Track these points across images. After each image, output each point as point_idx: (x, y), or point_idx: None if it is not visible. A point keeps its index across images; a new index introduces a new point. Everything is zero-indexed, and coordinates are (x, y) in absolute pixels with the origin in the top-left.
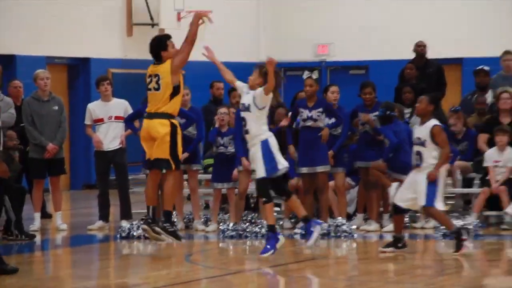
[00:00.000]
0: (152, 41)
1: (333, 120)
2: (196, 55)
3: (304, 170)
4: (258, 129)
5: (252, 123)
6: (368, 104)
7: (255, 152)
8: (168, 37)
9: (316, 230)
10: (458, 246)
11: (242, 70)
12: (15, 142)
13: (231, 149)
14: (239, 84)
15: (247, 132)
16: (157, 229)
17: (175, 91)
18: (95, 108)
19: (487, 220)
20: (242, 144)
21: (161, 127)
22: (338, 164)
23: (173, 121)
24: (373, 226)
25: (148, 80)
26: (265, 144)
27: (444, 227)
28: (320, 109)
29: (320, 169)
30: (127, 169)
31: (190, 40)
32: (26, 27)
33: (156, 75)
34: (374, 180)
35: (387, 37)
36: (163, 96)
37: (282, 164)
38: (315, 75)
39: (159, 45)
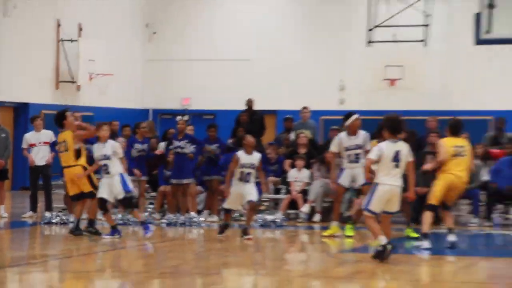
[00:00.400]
0: (56, 114)
1: (194, 146)
2: (102, 103)
3: (174, 181)
4: (117, 169)
5: (113, 166)
6: (211, 139)
7: (116, 181)
8: (66, 110)
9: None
10: (246, 233)
11: (132, 113)
12: None
13: None
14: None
15: (108, 172)
16: (80, 232)
17: (78, 151)
18: (30, 137)
19: (289, 216)
20: None
21: (79, 172)
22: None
23: (85, 166)
24: (214, 218)
25: (58, 146)
26: (122, 177)
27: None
28: (186, 140)
29: (185, 181)
30: (51, 178)
31: (89, 131)
32: None
33: (64, 141)
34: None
35: (228, 93)
36: (70, 155)
37: (132, 187)
38: (186, 118)
39: (61, 116)
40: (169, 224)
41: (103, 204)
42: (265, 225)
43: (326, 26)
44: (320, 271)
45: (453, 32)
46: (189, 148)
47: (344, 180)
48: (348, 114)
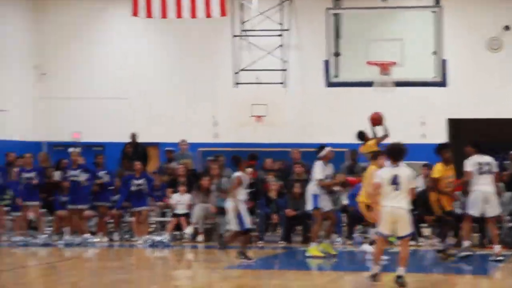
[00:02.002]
0: None
1: (88, 174)
2: (1, 136)
3: (71, 206)
4: None
5: None
6: (99, 166)
7: None
8: None
9: None
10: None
11: (27, 145)
12: None
13: None
14: None
15: None
16: None
17: None
18: None
19: (175, 237)
20: None
21: None
22: None
23: None
24: (104, 239)
25: None
26: None
27: None
28: (80, 169)
29: (80, 206)
30: None
31: None
32: None
33: None
34: None
35: (114, 127)
36: None
37: None
38: (78, 149)
39: None
40: (66, 245)
41: None
42: (153, 245)
43: (198, 68)
44: (206, 286)
45: (307, 75)
46: (83, 176)
47: (324, 204)
48: (322, 146)
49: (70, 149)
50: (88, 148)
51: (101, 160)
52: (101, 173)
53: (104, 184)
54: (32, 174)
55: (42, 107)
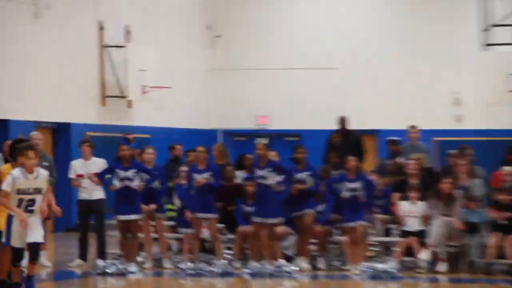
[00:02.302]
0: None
1: (283, 176)
2: (160, 123)
3: (258, 220)
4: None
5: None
6: (299, 164)
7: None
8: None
9: None
10: None
11: (197, 134)
12: None
13: None
14: None
15: (32, 211)
16: None
17: None
18: (78, 166)
19: (406, 264)
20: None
21: None
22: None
23: None
24: (304, 265)
25: None
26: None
27: None
28: (270, 169)
29: (271, 220)
30: (104, 216)
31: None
32: (18, 96)
33: None
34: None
35: (315, 109)
36: None
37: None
38: (265, 141)
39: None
40: (253, 275)
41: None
42: (375, 276)
43: (431, 26)
44: None
45: None
46: (274, 178)
47: None
48: None
49: (256, 140)
50: (280, 138)
51: (302, 155)
52: (301, 174)
53: (307, 190)
54: (206, 175)
55: (216, 82)
